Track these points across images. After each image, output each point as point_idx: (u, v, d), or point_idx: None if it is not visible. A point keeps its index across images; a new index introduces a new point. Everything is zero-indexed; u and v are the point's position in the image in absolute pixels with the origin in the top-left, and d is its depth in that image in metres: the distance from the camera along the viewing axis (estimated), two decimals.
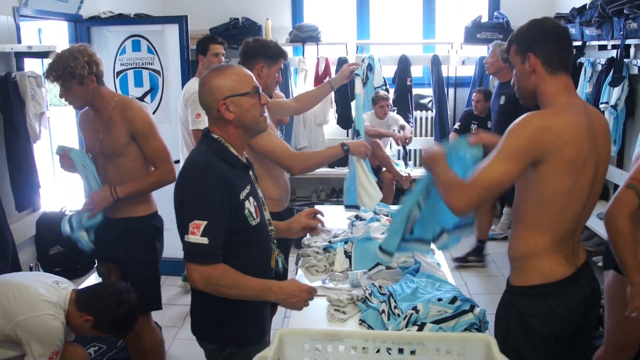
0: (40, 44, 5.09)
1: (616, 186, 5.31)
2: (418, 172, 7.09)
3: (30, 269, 3.78)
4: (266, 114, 2.39)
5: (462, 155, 2.37)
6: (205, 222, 2.08)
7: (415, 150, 7.34)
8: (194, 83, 4.37)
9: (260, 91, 2.27)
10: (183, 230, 2.12)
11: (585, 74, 5.57)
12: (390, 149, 6.87)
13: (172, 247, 3.29)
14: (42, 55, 4.04)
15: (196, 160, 2.20)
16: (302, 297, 2.24)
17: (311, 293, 2.27)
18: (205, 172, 2.14)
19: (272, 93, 3.35)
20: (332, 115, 6.99)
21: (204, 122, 4.03)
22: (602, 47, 5.39)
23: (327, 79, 6.61)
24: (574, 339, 2.27)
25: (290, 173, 3.29)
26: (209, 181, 2.13)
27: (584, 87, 5.55)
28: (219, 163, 2.18)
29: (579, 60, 5.80)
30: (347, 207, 3.97)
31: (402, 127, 6.69)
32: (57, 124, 5.97)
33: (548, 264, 2.18)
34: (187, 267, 2.13)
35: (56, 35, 5.86)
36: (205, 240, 2.07)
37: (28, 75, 3.74)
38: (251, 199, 2.27)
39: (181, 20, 4.94)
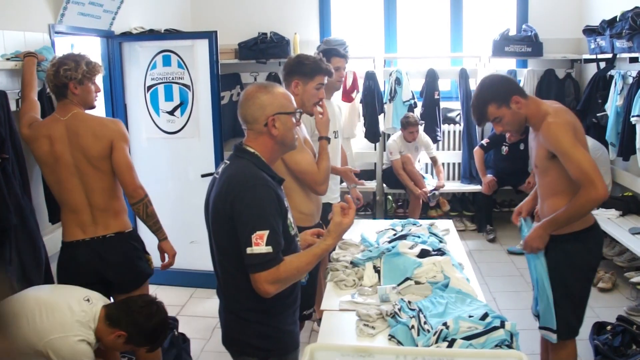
0: None
1: None
2: (446, 186, 7.06)
3: None
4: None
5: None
6: (268, 232, 2.14)
7: (443, 164, 7.30)
8: None
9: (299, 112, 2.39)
10: (243, 243, 2.15)
11: (615, 86, 5.50)
12: (419, 162, 6.86)
13: (200, 259, 3.32)
14: None
15: (244, 173, 2.25)
16: (344, 222, 2.30)
17: (347, 208, 2.33)
18: (258, 184, 2.21)
19: (311, 110, 3.30)
20: (360, 128, 7.00)
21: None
22: (633, 60, 5.32)
23: (355, 92, 6.67)
24: None
25: (316, 194, 3.31)
26: (263, 191, 2.20)
27: (615, 100, 5.48)
28: (264, 175, 2.26)
29: (609, 73, 5.74)
30: None
31: (433, 161, 6.70)
32: None
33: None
34: (255, 279, 2.16)
35: (88, 51, 5.96)
36: (269, 249, 2.13)
37: None
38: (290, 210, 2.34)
39: (211, 36, 4.99)
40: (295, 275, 2.23)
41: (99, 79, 3.30)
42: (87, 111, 3.26)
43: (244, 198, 2.18)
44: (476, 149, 6.58)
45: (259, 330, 2.35)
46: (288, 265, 2.19)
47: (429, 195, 6.44)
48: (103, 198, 3.18)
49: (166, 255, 3.40)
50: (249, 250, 2.13)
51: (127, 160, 3.17)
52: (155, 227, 3.32)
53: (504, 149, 6.57)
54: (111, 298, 3.22)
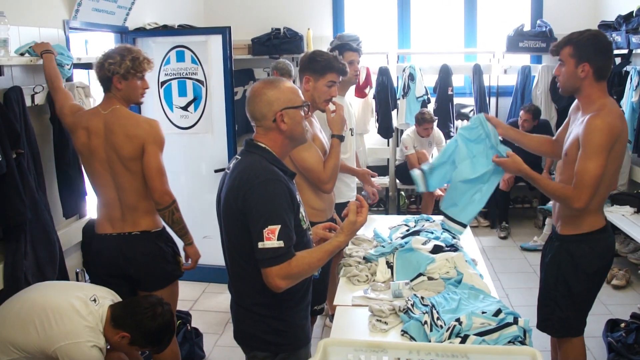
0: (87, 55, 5.21)
1: None
2: None
3: (77, 274, 3.85)
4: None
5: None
6: (279, 226, 2.15)
7: None
8: None
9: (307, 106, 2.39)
10: (254, 237, 2.17)
11: (631, 82, 5.46)
12: (431, 158, 6.84)
13: (213, 254, 3.33)
14: (89, 66, 4.14)
15: (256, 168, 2.25)
16: (359, 220, 2.31)
17: (359, 207, 2.33)
18: (270, 178, 2.21)
19: (323, 107, 3.30)
20: (373, 124, 6.99)
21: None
22: None
23: (368, 88, 6.65)
24: None
25: (322, 191, 3.30)
26: (275, 186, 2.21)
27: (630, 96, 5.44)
28: (275, 169, 2.27)
29: (625, 69, 5.70)
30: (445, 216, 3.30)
31: None
32: None
33: (594, 217, 2.93)
34: (266, 273, 2.17)
35: (102, 47, 5.98)
36: (281, 244, 2.14)
37: (77, 85, 3.83)
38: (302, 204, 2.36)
39: (224, 31, 5.00)
40: (306, 270, 2.24)
41: (147, 76, 3.25)
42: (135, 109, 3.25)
43: (255, 193, 2.18)
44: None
45: (270, 325, 2.36)
46: (300, 261, 2.20)
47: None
48: (133, 197, 3.16)
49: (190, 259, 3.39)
50: (260, 245, 2.14)
51: (157, 164, 3.10)
52: (182, 233, 3.29)
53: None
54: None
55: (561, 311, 3.04)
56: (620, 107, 5.52)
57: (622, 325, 4.02)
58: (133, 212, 3.18)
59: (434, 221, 3.70)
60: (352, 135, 4.09)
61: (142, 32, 5.14)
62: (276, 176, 2.24)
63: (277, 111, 2.29)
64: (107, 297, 2.94)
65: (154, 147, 3.10)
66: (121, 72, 3.07)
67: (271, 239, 2.13)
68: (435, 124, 6.64)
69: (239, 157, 2.36)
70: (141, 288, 3.24)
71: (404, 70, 6.88)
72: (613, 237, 3.08)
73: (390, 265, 3.08)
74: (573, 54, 2.78)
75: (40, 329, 2.65)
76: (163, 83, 5.17)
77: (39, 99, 3.56)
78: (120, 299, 2.97)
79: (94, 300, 2.83)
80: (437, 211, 6.56)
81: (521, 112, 6.45)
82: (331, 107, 3.29)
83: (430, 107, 6.87)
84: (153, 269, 3.21)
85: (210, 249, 3.47)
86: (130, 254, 3.17)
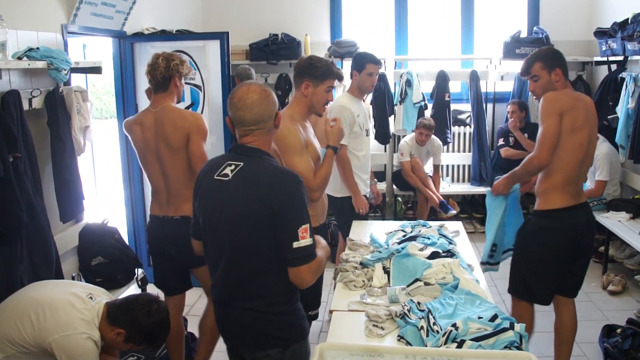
0: (84, 59, 5.22)
1: None
2: (456, 188, 7.08)
3: (72, 279, 3.85)
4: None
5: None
6: (308, 225, 2.27)
7: (453, 166, 7.32)
8: (341, 97, 4.51)
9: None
10: (288, 237, 2.25)
11: (627, 89, 5.48)
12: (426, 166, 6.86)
13: None
14: (87, 70, 4.15)
15: (281, 170, 2.40)
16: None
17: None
18: (300, 180, 2.33)
19: (321, 112, 3.35)
20: (371, 130, 6.98)
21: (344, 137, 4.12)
22: None
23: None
24: (572, 262, 3.41)
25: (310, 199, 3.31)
26: (303, 187, 2.32)
27: (625, 103, 5.45)
28: None
29: (620, 75, 5.72)
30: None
31: (434, 169, 6.77)
32: (97, 137, 6.10)
33: (558, 197, 3.32)
34: (300, 271, 2.28)
35: (100, 51, 6.00)
36: (311, 241, 2.27)
37: (74, 89, 3.84)
38: None
39: (222, 36, 5.01)
40: (322, 265, 2.41)
41: (143, 81, 3.56)
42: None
43: (291, 194, 2.27)
44: (503, 150, 6.66)
45: (281, 321, 2.41)
46: (320, 257, 2.36)
47: (440, 201, 6.45)
48: (177, 184, 3.41)
49: None
50: (295, 245, 2.23)
51: (200, 151, 3.36)
52: None
53: (511, 139, 6.64)
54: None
55: (517, 272, 3.54)
56: (615, 113, 5.56)
57: (618, 330, 4.03)
58: (176, 198, 3.43)
59: (430, 227, 3.71)
60: (367, 135, 4.43)
61: (140, 37, 5.14)
62: (300, 178, 2.34)
63: (276, 112, 2.41)
64: (103, 295, 2.95)
65: (198, 137, 3.37)
66: (184, 72, 3.47)
67: (305, 237, 2.24)
68: (432, 132, 6.68)
69: (240, 164, 2.35)
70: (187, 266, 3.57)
71: (401, 76, 6.89)
72: (577, 219, 3.36)
73: (386, 271, 3.08)
74: (544, 66, 3.37)
75: (35, 321, 2.67)
76: None
77: (37, 103, 3.57)
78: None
79: (90, 297, 2.86)
80: (433, 217, 6.58)
81: (509, 105, 6.63)
82: (331, 108, 3.32)
83: (427, 113, 6.88)
84: (190, 252, 3.27)
85: None
86: (172, 236, 3.41)
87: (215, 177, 2.37)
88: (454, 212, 6.54)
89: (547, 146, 3.21)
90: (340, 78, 3.39)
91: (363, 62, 4.38)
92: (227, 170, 2.36)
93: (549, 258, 3.38)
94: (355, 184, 4.30)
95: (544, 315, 3.78)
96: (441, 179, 7.02)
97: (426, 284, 2.86)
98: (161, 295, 3.08)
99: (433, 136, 6.59)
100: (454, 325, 2.37)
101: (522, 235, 3.50)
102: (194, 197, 2.50)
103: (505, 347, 2.28)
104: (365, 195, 4.41)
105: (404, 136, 6.80)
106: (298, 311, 2.48)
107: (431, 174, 6.78)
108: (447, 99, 6.91)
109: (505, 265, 3.72)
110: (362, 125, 4.34)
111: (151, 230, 3.57)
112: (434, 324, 2.44)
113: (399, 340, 2.44)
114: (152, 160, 3.43)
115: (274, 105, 2.40)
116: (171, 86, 3.44)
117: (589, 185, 5.92)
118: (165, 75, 3.38)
